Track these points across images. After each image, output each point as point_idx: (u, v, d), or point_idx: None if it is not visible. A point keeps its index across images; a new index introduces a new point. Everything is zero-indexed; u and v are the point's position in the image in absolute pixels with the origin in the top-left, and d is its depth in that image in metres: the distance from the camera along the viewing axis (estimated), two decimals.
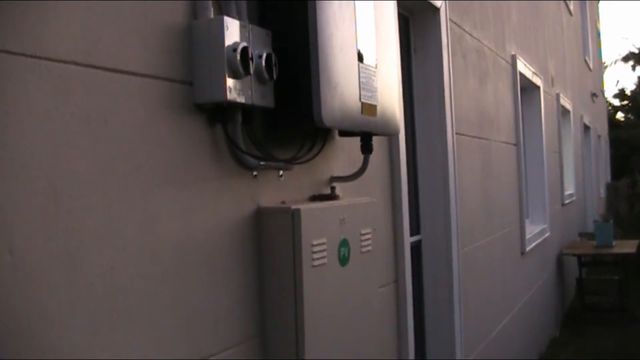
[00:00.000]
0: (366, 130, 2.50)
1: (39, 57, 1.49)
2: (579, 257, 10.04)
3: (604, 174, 20.89)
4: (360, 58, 2.37)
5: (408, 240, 3.53)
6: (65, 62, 1.56)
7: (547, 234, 8.36)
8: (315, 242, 2.19)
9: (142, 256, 1.74)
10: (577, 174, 12.81)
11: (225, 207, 2.06)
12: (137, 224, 1.73)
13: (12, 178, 1.41)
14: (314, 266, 2.18)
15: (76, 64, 1.59)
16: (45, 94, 1.50)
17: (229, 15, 2.03)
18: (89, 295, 1.58)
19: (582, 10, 16.12)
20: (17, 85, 1.43)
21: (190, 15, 1.97)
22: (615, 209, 19.12)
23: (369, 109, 2.41)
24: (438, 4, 4.28)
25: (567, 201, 10.87)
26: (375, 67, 2.48)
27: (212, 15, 1.99)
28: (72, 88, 1.57)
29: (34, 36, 1.48)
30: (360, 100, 2.35)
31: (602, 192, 19.52)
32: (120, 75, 1.71)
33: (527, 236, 7.06)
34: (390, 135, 3.16)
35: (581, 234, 12.11)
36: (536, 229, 7.87)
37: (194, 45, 1.95)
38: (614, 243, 10.12)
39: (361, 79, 2.36)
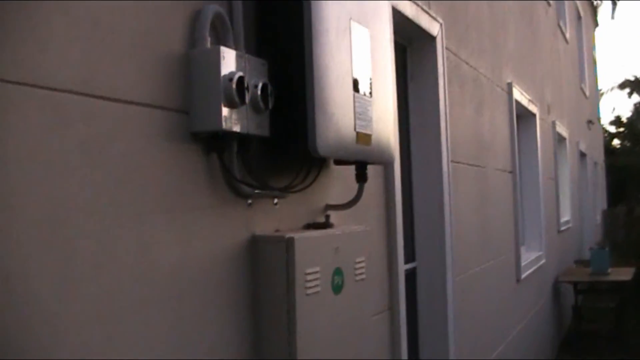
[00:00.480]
0: (361, 159, 2.52)
1: (38, 86, 1.51)
2: (575, 284, 10.04)
3: (600, 201, 20.91)
4: (356, 88, 2.39)
5: (402, 267, 3.54)
6: (64, 90, 1.57)
7: (542, 261, 8.37)
8: (309, 271, 2.20)
9: (137, 283, 1.74)
10: (573, 201, 12.83)
11: (219, 235, 2.07)
12: (132, 251, 1.74)
13: (8, 206, 1.42)
14: (307, 295, 2.19)
15: (74, 92, 1.60)
16: (44, 122, 1.51)
17: (226, 44, 2.06)
18: (84, 321, 1.58)
19: (579, 38, 16.22)
20: (15, 114, 1.45)
21: (188, 45, 1.99)
22: (611, 236, 19.14)
23: (364, 138, 2.42)
24: (435, 32, 4.32)
25: (563, 228, 10.88)
26: (371, 97, 2.50)
27: (209, 45, 2.01)
28: (70, 116, 1.58)
29: (33, 65, 1.50)
30: (355, 129, 2.37)
31: (599, 219, 19.54)
32: (118, 104, 1.73)
33: (523, 263, 7.07)
34: (385, 164, 3.18)
35: (577, 261, 12.11)
36: (532, 256, 7.88)
37: (191, 75, 1.97)
38: (610, 270, 10.13)
39: (357, 109, 2.38)
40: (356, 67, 2.40)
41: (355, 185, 2.69)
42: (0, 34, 1.42)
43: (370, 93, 2.50)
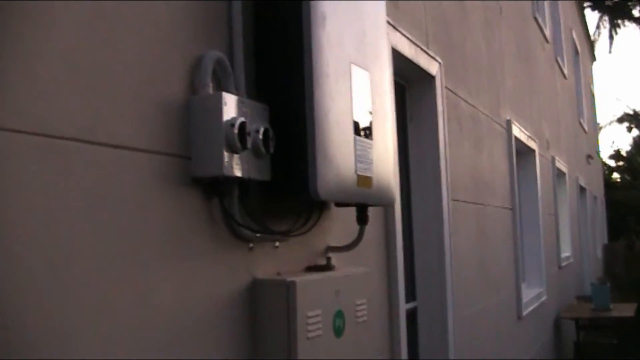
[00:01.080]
0: (362, 202, 2.53)
1: (40, 134, 1.52)
2: (577, 320, 9.99)
3: (601, 236, 20.89)
4: (356, 130, 2.40)
5: (403, 307, 3.53)
6: (66, 138, 1.59)
7: (543, 298, 8.34)
8: (310, 314, 2.20)
9: (137, 328, 1.74)
10: (574, 236, 12.82)
11: (221, 279, 2.07)
12: (133, 297, 1.74)
13: (9, 253, 1.42)
14: (308, 338, 2.18)
15: (76, 140, 1.61)
16: (45, 170, 1.52)
17: (227, 90, 2.08)
18: None
19: (577, 73, 16.33)
20: (17, 163, 1.46)
21: (189, 91, 2.01)
22: (612, 271, 19.07)
23: (364, 181, 2.43)
24: (434, 71, 4.35)
25: (563, 264, 10.86)
26: (371, 139, 2.52)
27: (210, 91, 2.03)
28: (72, 164, 1.59)
29: (35, 113, 1.51)
30: (356, 172, 2.38)
31: (599, 253, 19.50)
32: (120, 150, 1.74)
33: (524, 300, 7.04)
34: (386, 206, 3.19)
35: (578, 297, 12.07)
36: (533, 292, 7.85)
37: (193, 120, 1.98)
38: (611, 306, 10.08)
39: (357, 152, 2.39)
40: (356, 110, 2.42)
41: (356, 227, 2.70)
42: (2, 82, 1.43)
43: (371, 135, 2.52)
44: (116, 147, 1.72)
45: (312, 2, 2.21)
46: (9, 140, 1.44)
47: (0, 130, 1.42)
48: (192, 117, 1.99)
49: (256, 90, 2.26)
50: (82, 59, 1.64)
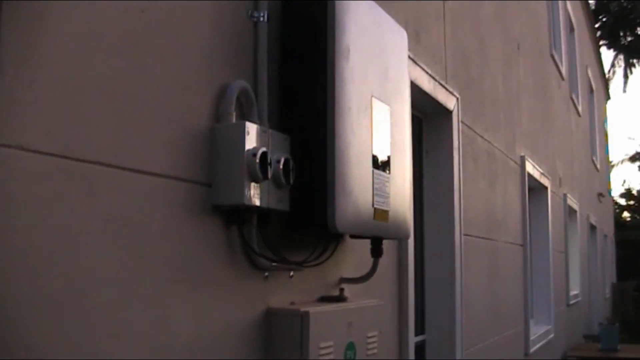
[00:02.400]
0: (377, 235, 2.54)
1: (68, 157, 1.54)
2: None
3: (610, 275, 20.75)
4: (375, 164, 2.42)
5: (413, 341, 3.53)
6: (92, 162, 1.61)
7: (551, 335, 8.29)
8: (322, 345, 2.20)
9: (153, 355, 1.75)
10: (583, 274, 12.75)
11: (236, 308, 2.08)
12: (151, 323, 1.75)
13: (32, 276, 1.44)
14: None
15: (102, 164, 1.64)
16: (71, 193, 1.54)
17: (250, 119, 2.10)
18: None
19: (591, 111, 16.35)
20: (45, 185, 1.48)
21: (213, 119, 2.03)
22: (620, 311, 18.93)
23: (381, 214, 2.45)
24: (451, 106, 4.38)
25: (572, 302, 10.80)
26: (389, 173, 2.54)
27: (234, 120, 2.05)
28: (97, 188, 1.62)
29: (64, 137, 1.54)
30: (373, 205, 2.39)
31: (608, 292, 19.37)
32: (143, 175, 1.76)
33: (532, 337, 7.01)
34: (401, 239, 3.20)
35: (586, 336, 11.98)
36: (540, 330, 7.81)
37: (215, 148, 2.01)
38: (619, 347, 10.00)
39: (375, 185, 2.41)
40: (376, 143, 2.44)
41: (370, 259, 2.71)
42: (34, 105, 1.46)
43: (389, 169, 2.54)
44: (140, 172, 1.75)
45: (337, 35, 2.24)
46: (37, 162, 1.47)
47: (30, 152, 1.45)
48: (215, 145, 2.01)
49: (279, 121, 2.29)
50: (113, 84, 1.67)
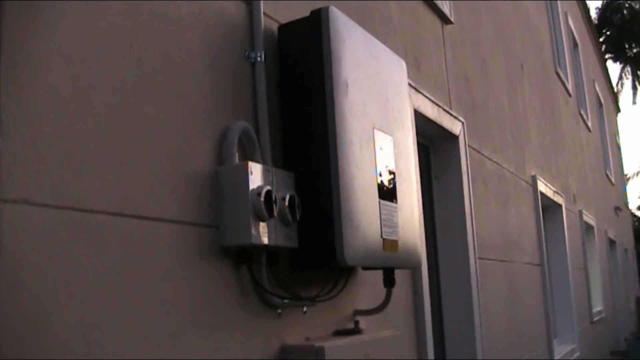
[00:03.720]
0: (388, 265, 2.54)
1: (73, 209, 1.56)
2: None
3: (634, 288, 20.54)
4: (381, 195, 2.43)
5: None
6: (98, 212, 1.63)
7: (577, 354, 8.19)
8: None
9: None
10: (605, 290, 12.63)
11: (251, 347, 2.08)
12: None
13: (44, 332, 1.45)
14: None
15: (108, 213, 1.65)
16: (79, 245, 1.56)
17: (253, 159, 2.12)
18: None
19: (601, 125, 16.31)
20: (53, 239, 1.49)
21: (216, 162, 2.05)
22: None
23: (390, 244, 2.45)
24: (457, 131, 4.39)
25: (595, 318, 10.69)
26: (396, 202, 2.54)
27: (237, 161, 2.07)
28: (104, 238, 1.63)
29: (69, 190, 1.56)
30: (382, 236, 2.40)
31: (632, 307, 19.15)
32: (150, 222, 1.78)
33: (556, 357, 6.93)
34: (413, 268, 3.19)
35: (613, 352, 11.84)
36: (565, 349, 7.72)
37: (220, 190, 2.02)
38: None
39: (382, 216, 2.42)
40: (381, 174, 2.45)
41: (383, 289, 2.70)
42: (37, 160, 1.48)
43: (395, 199, 2.54)
44: (147, 218, 1.76)
45: (335, 71, 2.26)
46: (43, 216, 1.49)
47: (35, 206, 1.46)
48: (220, 187, 2.03)
49: (281, 158, 2.30)
50: (114, 135, 1.70)
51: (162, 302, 1.77)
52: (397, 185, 2.58)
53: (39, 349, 1.43)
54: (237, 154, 2.08)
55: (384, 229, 2.42)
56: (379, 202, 2.41)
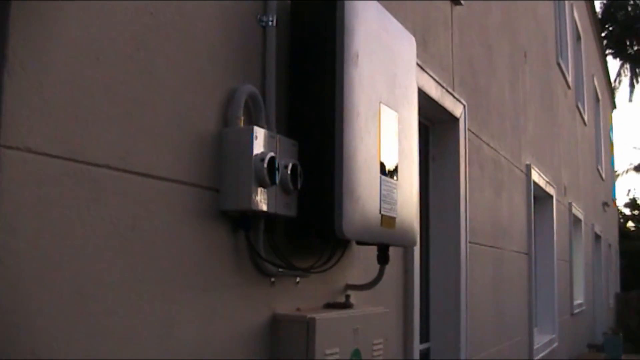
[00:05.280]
0: (384, 242, 2.52)
1: (75, 160, 1.53)
2: None
3: (614, 284, 20.68)
4: (382, 170, 2.41)
5: (418, 348, 3.51)
6: (100, 165, 1.60)
7: (555, 344, 8.26)
8: (328, 352, 2.19)
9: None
10: (587, 284, 12.71)
11: (242, 314, 2.07)
12: (157, 328, 1.74)
13: (39, 281, 1.43)
14: None
15: (110, 168, 1.63)
16: (79, 197, 1.54)
17: (258, 124, 2.09)
18: None
19: (596, 120, 16.32)
20: (53, 188, 1.47)
21: (222, 124, 2.02)
22: (625, 321, 18.85)
23: (388, 221, 2.44)
24: (458, 114, 4.37)
25: (576, 311, 10.76)
26: (397, 180, 2.52)
27: (242, 124, 2.04)
28: (105, 192, 1.61)
29: (72, 141, 1.53)
30: (380, 212, 2.38)
31: (612, 302, 19.30)
32: (151, 180, 1.75)
33: (536, 346, 6.98)
34: (407, 246, 3.18)
35: (590, 346, 11.93)
36: (544, 338, 7.78)
37: (223, 153, 2.00)
38: (623, 357, 9.96)
39: (382, 192, 2.40)
40: (384, 150, 2.43)
41: (376, 265, 2.69)
42: (41, 109, 1.45)
43: (396, 176, 2.52)
44: (148, 176, 1.74)
45: (347, 41, 2.23)
46: (45, 165, 1.46)
47: (37, 155, 1.44)
48: (223, 149, 2.00)
49: (286, 125, 2.28)
50: (121, 88, 1.67)
51: (157, 260, 1.75)
52: (399, 162, 2.56)
53: (33, 296, 1.41)
54: (242, 118, 2.05)
55: (383, 205, 2.40)
56: (380, 177, 2.40)
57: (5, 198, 1.36)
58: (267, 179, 1.96)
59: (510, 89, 6.19)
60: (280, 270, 2.20)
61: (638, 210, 32.27)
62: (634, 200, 32.82)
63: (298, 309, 2.33)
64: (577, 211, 10.93)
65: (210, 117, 1.99)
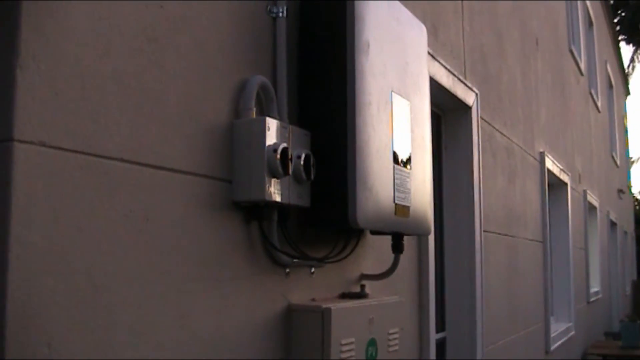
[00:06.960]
0: (398, 231, 2.52)
1: (89, 154, 1.54)
2: (605, 357, 9.83)
3: (630, 272, 20.60)
4: (395, 160, 2.40)
5: (434, 338, 3.51)
6: (113, 158, 1.61)
7: (572, 333, 8.23)
8: (344, 342, 2.19)
9: (174, 352, 1.74)
10: (603, 272, 12.66)
11: (257, 304, 2.07)
12: (171, 320, 1.74)
13: (54, 272, 1.44)
14: None
15: (123, 160, 1.63)
16: (92, 190, 1.54)
17: (270, 115, 2.09)
18: None
19: (610, 107, 16.22)
20: (66, 181, 1.48)
21: (233, 115, 2.02)
22: None
23: (402, 210, 2.43)
24: (470, 102, 4.35)
25: (592, 299, 10.72)
26: (410, 169, 2.52)
27: (254, 116, 2.04)
28: (118, 184, 1.61)
29: (85, 133, 1.53)
30: (394, 201, 2.37)
31: (628, 290, 19.22)
32: (164, 172, 1.75)
33: (552, 334, 6.96)
34: (422, 235, 3.18)
35: (607, 334, 11.88)
36: (561, 327, 7.75)
37: (235, 144, 2.00)
38: None
39: (396, 181, 2.39)
40: (396, 139, 2.42)
41: (390, 255, 2.69)
42: (55, 104, 1.46)
43: (409, 165, 2.52)
44: (160, 168, 1.74)
45: (357, 30, 2.23)
46: (58, 159, 1.46)
47: (50, 148, 1.44)
48: (235, 140, 2.00)
49: (298, 116, 2.27)
50: (132, 80, 1.67)
51: (171, 251, 1.76)
52: (412, 151, 2.55)
53: (47, 288, 1.42)
54: (254, 109, 2.05)
55: (396, 194, 2.39)
56: (393, 166, 2.39)
57: (19, 192, 1.37)
58: (280, 169, 1.96)
59: (522, 76, 6.16)
60: (294, 260, 2.20)
61: None
62: None
63: (313, 299, 2.33)
64: (592, 198, 10.88)
65: (222, 108, 1.99)
